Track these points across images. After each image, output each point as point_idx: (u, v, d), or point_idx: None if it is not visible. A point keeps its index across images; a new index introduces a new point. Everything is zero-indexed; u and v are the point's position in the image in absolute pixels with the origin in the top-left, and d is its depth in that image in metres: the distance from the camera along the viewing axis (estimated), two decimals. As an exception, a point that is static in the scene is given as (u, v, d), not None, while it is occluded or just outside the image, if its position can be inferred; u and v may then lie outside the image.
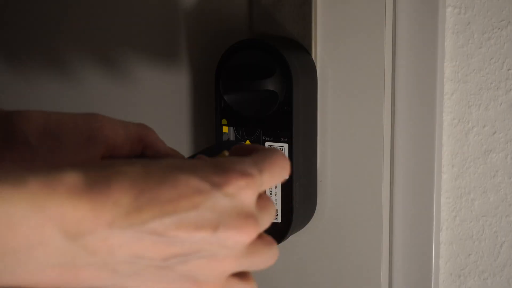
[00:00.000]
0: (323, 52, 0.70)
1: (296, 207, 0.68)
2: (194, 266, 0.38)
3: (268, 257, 0.42)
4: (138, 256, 0.36)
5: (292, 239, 0.72)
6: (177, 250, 0.36)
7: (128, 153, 0.47)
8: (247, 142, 0.69)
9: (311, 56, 0.69)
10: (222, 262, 0.39)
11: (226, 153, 0.47)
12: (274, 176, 0.41)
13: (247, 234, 0.38)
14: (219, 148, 0.48)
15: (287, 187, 0.68)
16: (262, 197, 0.41)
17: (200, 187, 0.36)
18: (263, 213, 0.40)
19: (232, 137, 0.70)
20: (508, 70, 0.69)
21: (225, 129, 0.70)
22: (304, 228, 0.72)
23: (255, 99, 0.67)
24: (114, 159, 0.46)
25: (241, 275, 0.43)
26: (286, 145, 0.67)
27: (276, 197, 0.68)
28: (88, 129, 0.45)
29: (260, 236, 0.41)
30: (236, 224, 0.38)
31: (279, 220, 0.69)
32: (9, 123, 0.44)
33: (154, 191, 0.36)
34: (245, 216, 0.38)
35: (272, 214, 0.41)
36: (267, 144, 0.68)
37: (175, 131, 0.77)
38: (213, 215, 0.37)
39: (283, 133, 0.67)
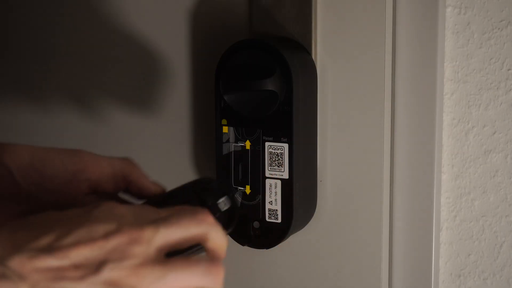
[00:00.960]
0: (323, 52, 0.70)
1: (296, 207, 0.68)
2: None
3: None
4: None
5: (292, 239, 0.72)
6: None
7: (113, 189, 0.49)
8: (247, 142, 0.69)
9: (311, 56, 0.69)
10: None
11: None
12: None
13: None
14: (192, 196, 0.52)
15: (287, 187, 0.68)
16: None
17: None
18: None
19: (232, 138, 0.70)
20: (508, 70, 0.69)
21: (225, 129, 0.70)
22: (304, 228, 0.72)
23: (255, 99, 0.67)
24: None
25: None
26: (286, 145, 0.67)
27: (276, 197, 0.69)
28: (73, 167, 0.46)
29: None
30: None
31: (279, 220, 0.69)
32: None
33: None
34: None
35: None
36: (267, 144, 0.68)
37: (175, 131, 0.77)
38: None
39: (283, 133, 0.67)
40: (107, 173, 0.48)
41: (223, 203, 0.53)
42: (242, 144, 0.69)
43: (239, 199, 0.69)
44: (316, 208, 0.72)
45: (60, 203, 0.47)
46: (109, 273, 0.40)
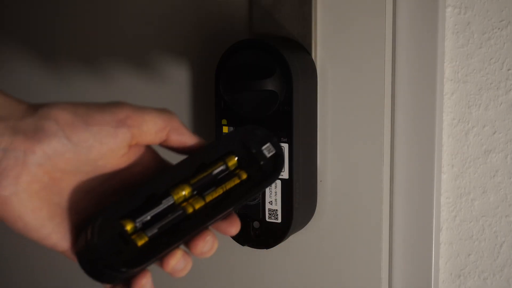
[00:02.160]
0: (323, 52, 0.70)
1: (296, 207, 0.68)
2: None
3: None
4: None
5: (292, 239, 0.72)
6: None
7: (155, 141, 0.50)
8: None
9: (311, 56, 0.69)
10: None
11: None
12: None
13: None
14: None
15: (287, 187, 0.68)
16: None
17: None
18: None
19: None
20: (508, 70, 0.69)
21: (225, 129, 0.70)
22: (304, 228, 0.72)
23: (255, 99, 0.67)
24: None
25: None
26: (286, 145, 0.67)
27: (276, 197, 0.69)
28: (115, 119, 0.47)
29: None
30: None
31: (279, 220, 0.69)
32: (38, 116, 0.46)
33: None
34: None
35: None
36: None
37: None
38: None
39: (283, 133, 0.67)
40: (149, 124, 0.49)
41: (267, 150, 0.53)
42: (242, 144, 0.69)
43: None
44: (316, 208, 0.72)
45: (104, 155, 0.48)
46: None
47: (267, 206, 0.69)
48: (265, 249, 0.70)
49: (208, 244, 0.50)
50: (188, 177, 0.51)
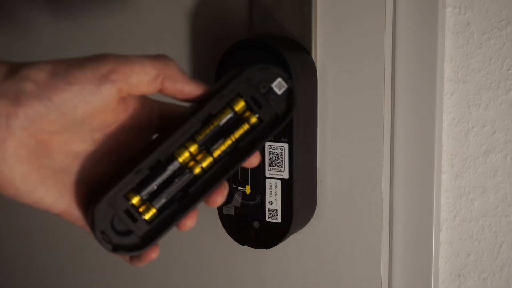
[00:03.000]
0: (323, 52, 0.70)
1: (296, 207, 0.68)
2: None
3: None
4: None
5: (292, 239, 0.72)
6: None
7: (147, 89, 0.47)
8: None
9: (311, 56, 0.69)
10: None
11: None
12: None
13: None
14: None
15: (287, 187, 0.68)
16: None
17: None
18: None
19: None
20: (508, 70, 0.69)
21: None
22: (304, 228, 0.72)
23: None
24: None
25: None
26: (286, 145, 0.67)
27: (276, 197, 0.68)
28: (97, 75, 0.45)
29: None
30: None
31: (279, 220, 0.69)
32: (18, 78, 0.45)
33: None
34: None
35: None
36: (267, 144, 0.68)
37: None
38: None
39: (283, 133, 0.67)
40: (140, 75, 0.46)
41: (278, 87, 0.48)
42: (242, 144, 0.69)
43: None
44: (316, 208, 0.72)
45: (92, 113, 0.46)
46: None
47: (267, 206, 0.69)
48: (265, 249, 0.70)
49: (224, 196, 0.49)
50: (193, 133, 0.47)
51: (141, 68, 0.46)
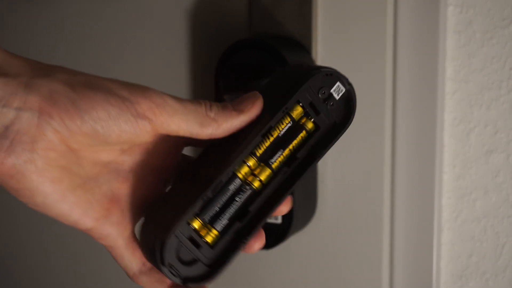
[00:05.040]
0: (323, 51, 0.70)
1: (296, 207, 0.68)
2: None
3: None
4: None
5: (292, 239, 0.72)
6: None
7: (189, 135, 0.44)
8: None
9: (311, 56, 0.69)
10: None
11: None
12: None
13: None
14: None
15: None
16: None
17: None
18: None
19: None
20: (510, 69, 0.68)
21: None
22: (304, 228, 0.71)
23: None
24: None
25: None
26: (286, 145, 0.67)
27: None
28: (137, 107, 0.42)
29: None
30: None
31: (279, 221, 0.68)
32: (53, 79, 0.41)
33: None
34: None
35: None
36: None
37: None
38: None
39: None
40: (179, 124, 0.43)
41: (336, 91, 0.45)
42: (242, 144, 0.69)
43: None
44: (316, 209, 0.72)
45: (124, 141, 0.43)
46: None
47: (267, 206, 0.69)
48: (265, 250, 0.70)
49: (289, 206, 0.46)
50: (253, 147, 0.43)
51: (181, 119, 0.43)
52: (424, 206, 0.70)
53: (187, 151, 0.48)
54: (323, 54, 0.70)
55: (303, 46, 0.69)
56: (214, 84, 0.69)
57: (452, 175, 0.71)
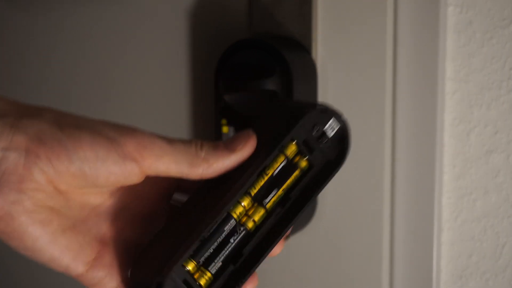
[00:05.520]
0: (324, 51, 0.69)
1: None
2: None
3: None
4: None
5: (292, 239, 0.72)
6: None
7: (179, 175, 0.43)
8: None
9: (311, 56, 0.69)
10: None
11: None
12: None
13: None
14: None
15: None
16: None
17: None
18: None
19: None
20: (510, 69, 0.68)
21: (224, 129, 0.69)
22: (304, 228, 0.71)
23: (255, 99, 0.67)
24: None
25: None
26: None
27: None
28: (124, 148, 0.41)
29: None
30: None
31: (279, 221, 0.68)
32: (41, 119, 0.41)
33: None
34: None
35: None
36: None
37: (175, 131, 0.76)
38: None
39: None
40: (168, 165, 0.42)
41: (331, 128, 0.44)
42: (242, 144, 0.69)
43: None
44: (316, 209, 0.71)
45: (113, 183, 0.42)
46: None
47: (267, 206, 0.69)
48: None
49: (282, 247, 0.45)
50: (248, 187, 0.42)
51: (170, 159, 0.42)
52: (424, 206, 0.70)
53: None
54: (323, 54, 0.69)
55: (303, 46, 0.69)
56: (214, 84, 0.68)
57: (452, 175, 0.71)
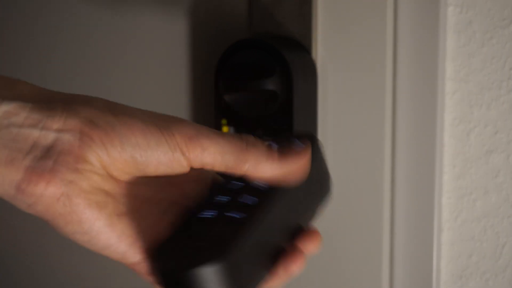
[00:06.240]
0: (324, 51, 0.69)
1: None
2: None
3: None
4: None
5: (292, 240, 0.71)
6: None
7: (225, 170, 0.43)
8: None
9: (311, 56, 0.69)
10: None
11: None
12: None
13: None
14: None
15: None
16: None
17: None
18: None
19: None
20: (510, 69, 0.68)
21: (225, 129, 0.69)
22: (304, 228, 0.71)
23: (255, 99, 0.67)
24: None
25: None
26: (286, 145, 0.67)
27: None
28: (174, 140, 0.41)
29: None
30: None
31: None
32: (85, 101, 0.41)
33: None
34: None
35: None
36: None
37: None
38: None
39: (283, 133, 0.67)
40: (215, 155, 0.41)
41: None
42: (242, 144, 0.69)
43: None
44: (316, 209, 0.71)
45: (162, 174, 0.42)
46: None
47: (267, 206, 0.69)
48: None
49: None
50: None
51: (216, 150, 0.41)
52: (424, 206, 0.70)
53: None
54: (323, 54, 0.69)
55: (303, 46, 0.69)
56: (214, 84, 0.68)
57: (452, 175, 0.71)
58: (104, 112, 0.40)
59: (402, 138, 0.70)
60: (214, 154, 0.41)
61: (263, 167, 0.42)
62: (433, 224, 0.70)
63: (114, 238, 0.41)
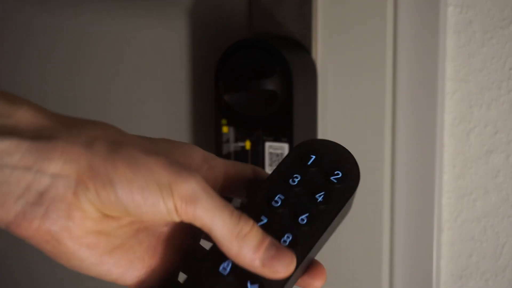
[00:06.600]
0: (324, 51, 0.69)
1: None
2: None
3: None
4: None
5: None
6: None
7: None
8: (247, 142, 0.69)
9: (311, 56, 0.69)
10: None
11: None
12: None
13: None
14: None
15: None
16: None
17: None
18: None
19: (232, 138, 0.69)
20: (510, 69, 0.68)
21: (225, 129, 0.69)
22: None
23: (255, 99, 0.67)
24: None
25: None
26: (286, 145, 0.67)
27: (276, 197, 0.68)
28: (172, 197, 0.41)
29: None
30: None
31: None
32: (87, 142, 0.40)
33: None
34: None
35: None
36: (267, 144, 0.68)
37: (175, 131, 0.76)
38: None
39: (283, 133, 0.67)
40: (217, 222, 0.41)
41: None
42: (242, 144, 0.69)
43: None
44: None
45: (154, 221, 0.42)
46: None
47: (267, 206, 0.69)
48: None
49: None
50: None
51: (207, 222, 0.41)
52: (424, 206, 0.70)
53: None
54: (323, 54, 0.69)
55: (303, 46, 0.69)
56: (214, 84, 0.68)
57: (452, 175, 0.71)
58: (106, 160, 0.39)
59: (402, 138, 0.70)
60: (204, 225, 0.41)
61: (244, 260, 0.42)
62: (433, 224, 0.70)
63: (104, 271, 0.42)
